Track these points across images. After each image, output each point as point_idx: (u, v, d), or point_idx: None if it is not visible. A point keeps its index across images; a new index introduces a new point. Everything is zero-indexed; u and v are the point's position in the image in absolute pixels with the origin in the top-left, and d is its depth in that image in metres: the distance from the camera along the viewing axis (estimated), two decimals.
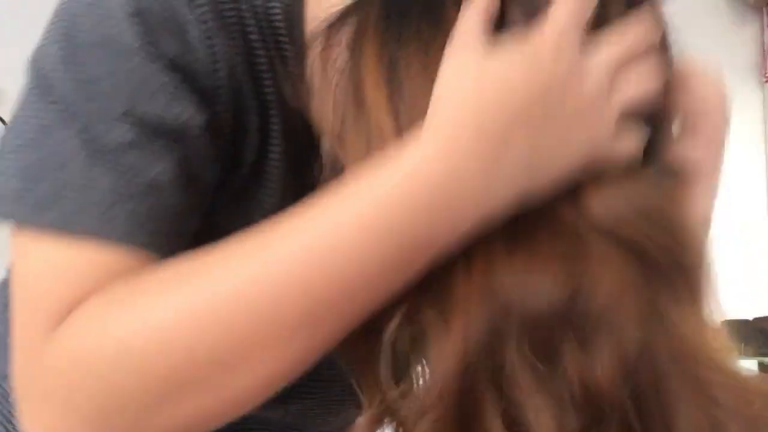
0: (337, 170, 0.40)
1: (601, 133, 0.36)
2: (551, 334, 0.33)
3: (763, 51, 2.02)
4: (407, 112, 0.36)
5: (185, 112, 0.41)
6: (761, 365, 1.72)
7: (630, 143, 0.37)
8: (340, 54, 0.40)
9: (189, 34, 0.41)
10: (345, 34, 0.40)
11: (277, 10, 0.47)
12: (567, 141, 0.35)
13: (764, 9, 2.03)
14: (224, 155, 0.45)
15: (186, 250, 0.41)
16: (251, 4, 0.46)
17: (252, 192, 0.48)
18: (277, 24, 0.47)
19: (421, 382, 0.37)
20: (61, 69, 0.40)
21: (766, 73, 2.00)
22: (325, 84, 0.41)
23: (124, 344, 0.34)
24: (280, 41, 0.47)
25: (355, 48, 0.39)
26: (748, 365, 1.66)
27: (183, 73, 0.41)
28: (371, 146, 0.37)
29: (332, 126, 0.40)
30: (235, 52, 0.44)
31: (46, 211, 0.38)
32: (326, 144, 0.46)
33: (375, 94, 0.37)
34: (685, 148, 0.40)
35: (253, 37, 0.46)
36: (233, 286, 0.35)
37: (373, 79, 0.38)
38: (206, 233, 0.42)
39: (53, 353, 0.36)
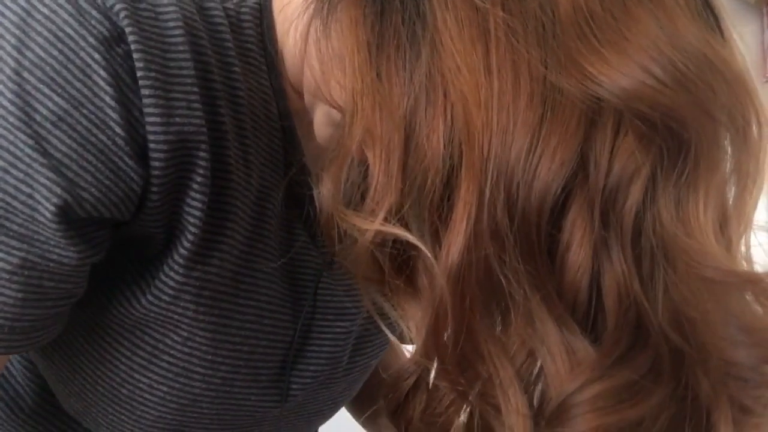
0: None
1: None
2: None
3: (763, 51, 2.02)
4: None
5: (36, 193, 0.36)
6: None
7: None
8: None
9: (92, 80, 0.36)
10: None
11: (248, 17, 0.45)
12: None
13: (764, 9, 2.03)
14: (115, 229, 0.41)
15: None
16: (208, 18, 0.42)
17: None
18: (248, 32, 0.45)
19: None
20: None
21: (766, 73, 2.00)
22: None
23: None
24: (247, 48, 0.45)
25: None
26: None
27: (59, 137, 0.36)
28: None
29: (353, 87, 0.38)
30: (178, 84, 0.39)
31: None
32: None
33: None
34: None
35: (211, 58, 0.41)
36: None
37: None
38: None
39: None
